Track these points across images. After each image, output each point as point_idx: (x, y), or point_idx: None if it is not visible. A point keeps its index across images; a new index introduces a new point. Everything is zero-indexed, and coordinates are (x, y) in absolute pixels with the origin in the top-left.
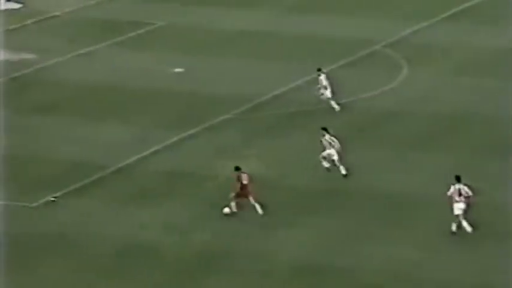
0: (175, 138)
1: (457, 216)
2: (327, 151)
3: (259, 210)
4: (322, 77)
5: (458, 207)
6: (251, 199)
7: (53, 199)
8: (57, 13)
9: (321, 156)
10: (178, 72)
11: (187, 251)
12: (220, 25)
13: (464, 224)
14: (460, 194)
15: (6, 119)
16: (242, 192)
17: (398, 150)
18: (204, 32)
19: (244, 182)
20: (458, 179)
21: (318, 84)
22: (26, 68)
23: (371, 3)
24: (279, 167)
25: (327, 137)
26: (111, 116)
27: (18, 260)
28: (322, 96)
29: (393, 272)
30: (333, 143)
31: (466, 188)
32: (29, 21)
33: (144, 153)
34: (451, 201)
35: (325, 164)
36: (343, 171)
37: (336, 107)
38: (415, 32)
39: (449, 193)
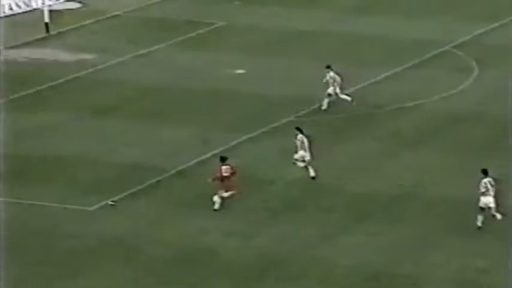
0: (236, 141)
1: (489, 209)
2: (300, 153)
3: (216, 205)
4: (332, 74)
5: (489, 201)
6: (225, 192)
7: (112, 203)
8: (117, 13)
9: (294, 158)
10: (240, 74)
11: (247, 256)
12: (283, 25)
13: (498, 215)
14: (489, 187)
15: (64, 121)
16: (223, 184)
17: (466, 154)
18: (266, 32)
19: (224, 174)
20: (485, 173)
21: (327, 81)
22: (85, 69)
23: (439, 3)
24: (340, 171)
25: (299, 137)
26: (171, 118)
27: (75, 265)
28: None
29: (458, 281)
30: (304, 143)
31: (492, 181)
32: (88, 21)
33: (205, 156)
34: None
35: (301, 164)
36: (312, 174)
37: (347, 98)
38: (486, 33)
39: (483, 189)
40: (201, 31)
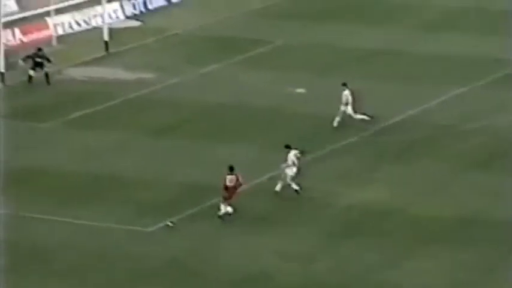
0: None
1: None
2: (294, 170)
3: (220, 212)
4: (347, 93)
5: None
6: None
7: (170, 224)
8: (176, 31)
9: (288, 180)
10: (300, 93)
11: (305, 281)
12: (344, 43)
13: None
14: None
15: (122, 141)
16: (226, 194)
17: None
18: (327, 51)
19: (228, 183)
20: None
21: (343, 99)
22: (144, 88)
23: (510, 20)
24: (405, 194)
25: (292, 153)
26: (229, 138)
27: (134, 287)
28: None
29: None
30: (296, 161)
31: None
32: (147, 40)
33: (262, 178)
34: None
35: (295, 187)
36: (296, 187)
37: (365, 117)
38: None
39: None
40: (261, 49)
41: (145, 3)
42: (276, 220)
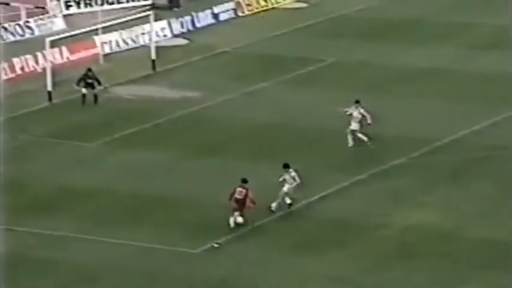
0: (344, 183)
1: None
2: (288, 186)
3: (231, 223)
4: (362, 111)
5: None
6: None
7: (216, 245)
8: (224, 49)
9: (283, 194)
10: (351, 113)
11: None
12: (395, 62)
13: None
14: None
15: (169, 160)
16: (236, 206)
17: None
18: (377, 70)
19: (237, 196)
20: None
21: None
22: (190, 106)
23: None
24: (457, 217)
25: (293, 174)
26: (277, 158)
27: None
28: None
29: None
30: (295, 181)
31: None
32: (194, 58)
33: (311, 199)
34: None
35: (288, 201)
36: (289, 201)
37: (365, 139)
38: None
39: None
40: (311, 68)
41: (193, 21)
42: (325, 242)
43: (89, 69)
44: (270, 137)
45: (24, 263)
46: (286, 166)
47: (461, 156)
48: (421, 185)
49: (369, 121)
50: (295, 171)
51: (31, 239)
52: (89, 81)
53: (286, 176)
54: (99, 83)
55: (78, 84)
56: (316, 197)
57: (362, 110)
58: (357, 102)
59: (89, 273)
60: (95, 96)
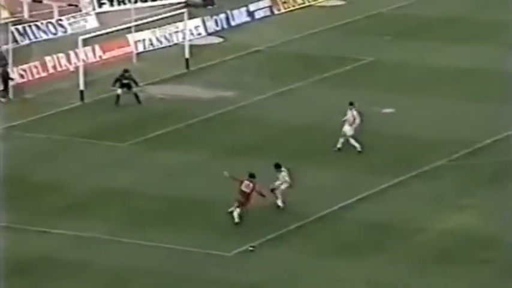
0: (383, 186)
1: None
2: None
3: (235, 219)
4: (354, 113)
5: None
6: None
7: (251, 248)
8: (259, 48)
9: (278, 194)
10: (388, 113)
11: None
12: (435, 61)
13: None
14: None
15: (202, 161)
16: (243, 200)
17: None
18: (417, 69)
19: (244, 189)
20: None
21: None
22: (225, 106)
23: None
24: (499, 222)
25: (284, 173)
26: (313, 159)
27: None
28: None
29: None
30: (288, 178)
31: None
32: (229, 57)
33: (349, 201)
34: None
35: (280, 203)
36: (280, 203)
37: (357, 145)
38: None
39: None
40: (347, 67)
41: (227, 19)
42: (362, 246)
43: (126, 70)
44: (305, 138)
45: (57, 266)
46: (277, 166)
47: (501, 158)
48: (460, 187)
49: (357, 122)
50: (287, 170)
51: (64, 241)
52: (125, 81)
53: (278, 176)
54: (136, 84)
55: (114, 84)
56: (354, 199)
57: (355, 113)
58: (351, 104)
59: (122, 276)
60: (136, 95)
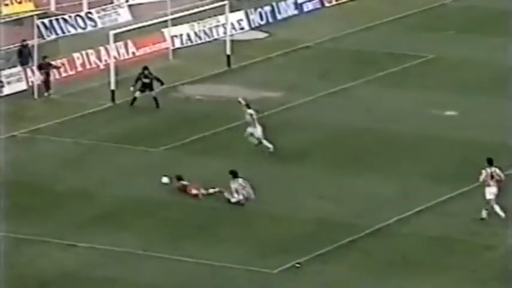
0: (444, 196)
1: (489, 201)
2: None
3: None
4: (253, 114)
5: (491, 192)
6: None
7: (297, 265)
8: (307, 44)
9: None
10: (450, 116)
11: None
12: (504, 59)
13: (497, 208)
14: (492, 177)
15: (244, 169)
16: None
17: None
18: (484, 67)
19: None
20: (490, 162)
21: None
22: (269, 108)
23: None
24: None
25: (241, 180)
26: (367, 167)
27: None
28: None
29: None
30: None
31: (497, 171)
32: (274, 54)
33: (407, 213)
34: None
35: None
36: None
37: (270, 146)
38: None
39: (481, 178)
40: (405, 65)
41: (273, 12)
42: (422, 263)
43: (145, 68)
44: (359, 143)
45: (84, 284)
46: (233, 174)
47: None
48: None
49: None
50: (245, 180)
51: (92, 256)
52: (146, 80)
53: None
54: (161, 82)
55: (135, 84)
56: (412, 211)
57: (252, 111)
58: (247, 105)
59: None
60: (155, 99)
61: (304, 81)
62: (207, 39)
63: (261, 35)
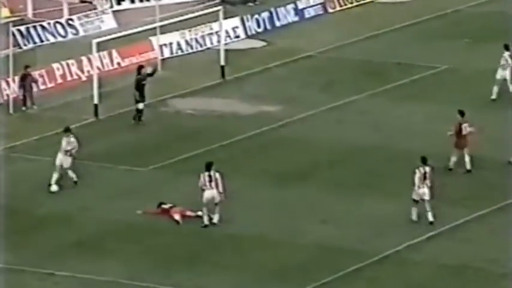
0: (459, 220)
1: (416, 202)
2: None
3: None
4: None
5: (419, 193)
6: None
7: None
8: (309, 53)
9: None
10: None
11: None
12: None
13: (414, 212)
14: (424, 178)
15: (239, 191)
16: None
17: None
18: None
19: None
20: (424, 161)
21: None
22: (266, 124)
23: None
24: None
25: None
26: (374, 187)
27: None
28: None
29: None
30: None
31: (429, 171)
32: (272, 64)
33: (418, 238)
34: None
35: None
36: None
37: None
38: None
39: (416, 179)
40: (416, 77)
41: (271, 19)
42: None
43: (141, 66)
44: (364, 162)
45: None
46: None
47: None
48: None
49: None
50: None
51: (73, 285)
52: (145, 83)
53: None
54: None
55: (136, 93)
56: (424, 236)
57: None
58: (67, 130)
59: None
60: (140, 112)
61: (305, 94)
62: (199, 49)
63: (258, 43)
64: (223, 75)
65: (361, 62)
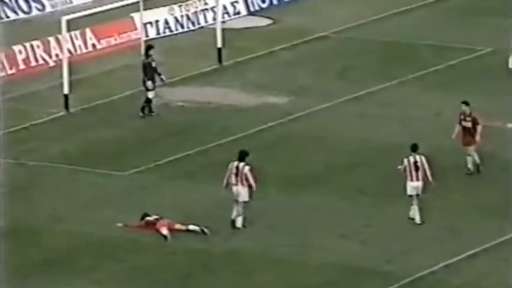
0: (504, 237)
1: (411, 197)
2: None
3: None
4: None
5: (413, 186)
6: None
7: None
8: (322, 33)
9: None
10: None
11: None
12: None
13: (415, 211)
14: (416, 169)
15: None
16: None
17: None
18: None
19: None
20: (414, 149)
21: None
22: (273, 118)
23: None
24: None
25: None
26: (403, 195)
27: None
28: None
29: None
30: None
31: (424, 160)
32: (279, 46)
33: (457, 257)
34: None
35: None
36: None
37: None
38: None
39: (401, 168)
40: (452, 62)
41: None
42: None
43: (150, 47)
44: (390, 164)
45: None
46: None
47: None
48: None
49: None
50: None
51: None
52: (155, 65)
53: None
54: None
55: (146, 78)
56: (464, 254)
57: None
58: None
59: None
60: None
61: (318, 83)
62: (192, 28)
63: (262, 21)
64: (220, 59)
65: (386, 44)
